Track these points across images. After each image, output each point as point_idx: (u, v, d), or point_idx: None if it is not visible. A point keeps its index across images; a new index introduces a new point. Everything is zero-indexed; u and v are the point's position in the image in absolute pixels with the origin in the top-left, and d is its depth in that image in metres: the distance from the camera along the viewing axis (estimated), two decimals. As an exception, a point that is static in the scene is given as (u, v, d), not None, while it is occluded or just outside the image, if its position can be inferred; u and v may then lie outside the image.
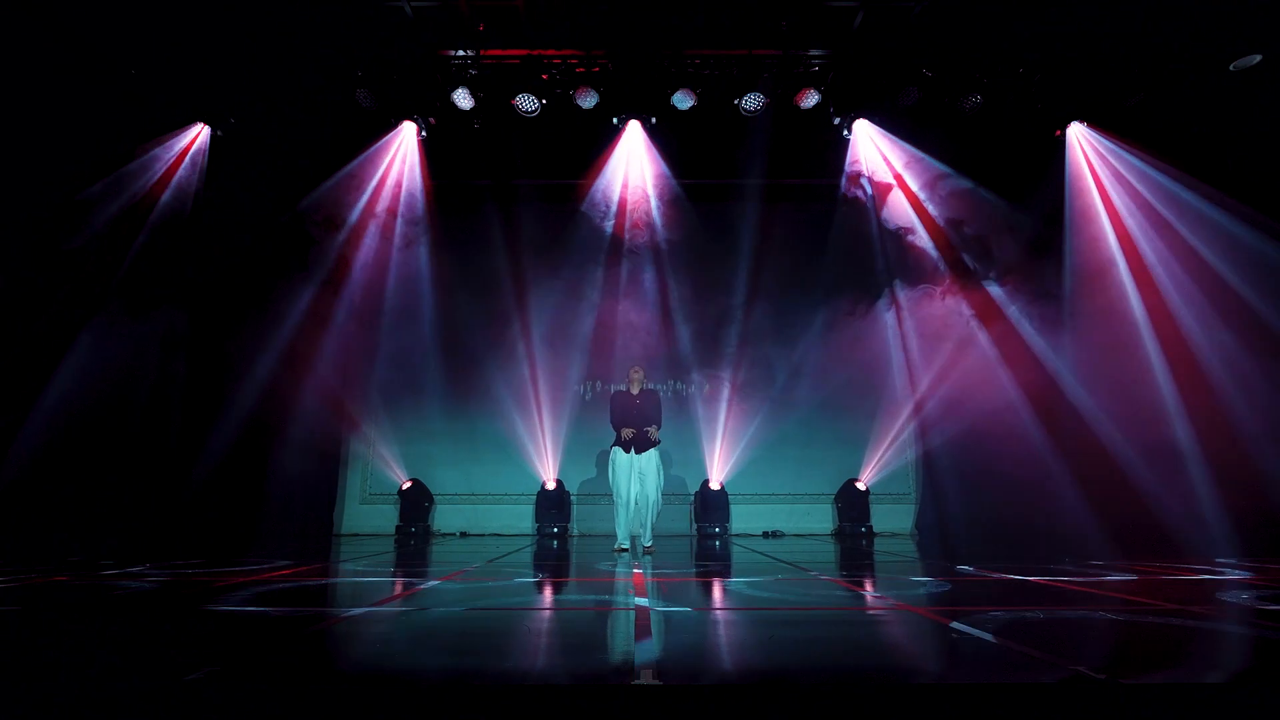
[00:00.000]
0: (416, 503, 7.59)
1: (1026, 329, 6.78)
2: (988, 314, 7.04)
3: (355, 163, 7.14)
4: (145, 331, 6.47)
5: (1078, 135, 6.83)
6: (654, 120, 7.00)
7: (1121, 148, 6.53)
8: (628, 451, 5.43)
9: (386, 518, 7.68)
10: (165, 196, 6.69)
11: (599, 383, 8.02)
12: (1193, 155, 6.03)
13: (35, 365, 5.92)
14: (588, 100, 6.61)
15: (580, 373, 7.91)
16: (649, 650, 1.84)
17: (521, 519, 7.70)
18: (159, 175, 6.69)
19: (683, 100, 6.59)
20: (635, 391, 5.58)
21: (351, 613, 2.48)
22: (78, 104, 6.02)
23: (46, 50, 5.69)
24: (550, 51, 6.45)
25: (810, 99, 6.61)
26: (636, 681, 1.51)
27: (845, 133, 7.15)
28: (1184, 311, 5.94)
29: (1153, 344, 6.09)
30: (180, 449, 6.59)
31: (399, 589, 3.18)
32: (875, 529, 7.54)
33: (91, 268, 6.30)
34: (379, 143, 7.15)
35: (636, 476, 5.41)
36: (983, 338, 7.05)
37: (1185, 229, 6.02)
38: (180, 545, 5.43)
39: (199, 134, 6.80)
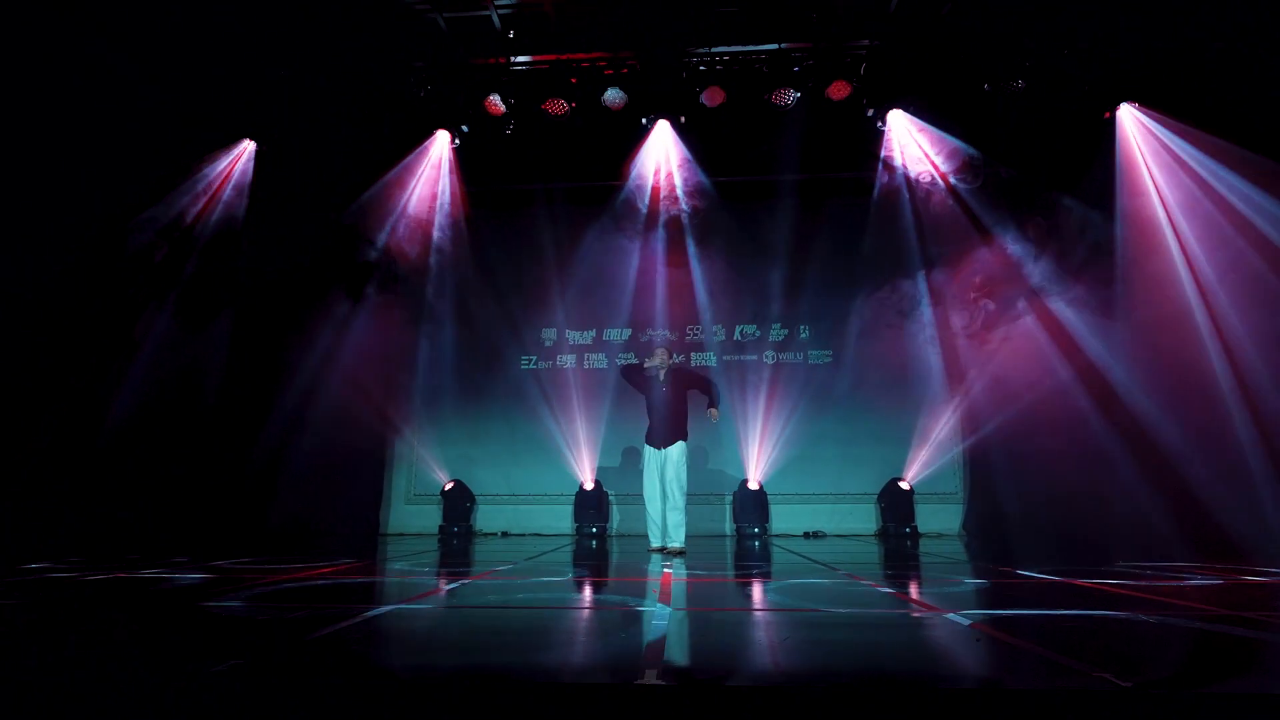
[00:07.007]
0: (458, 503, 7.75)
1: (1076, 320, 6.49)
2: (1034, 305, 6.77)
3: (393, 172, 7.33)
4: (199, 337, 6.81)
5: (1128, 117, 6.51)
6: (683, 119, 6.99)
7: (1176, 129, 6.18)
8: (653, 446, 5.31)
9: (430, 518, 7.87)
10: (217, 208, 7.10)
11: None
12: (1255, 134, 5.65)
13: (99, 369, 6.30)
14: (616, 101, 6.64)
15: (616, 374, 7.95)
16: (660, 651, 1.85)
17: (561, 519, 7.78)
18: (212, 189, 7.11)
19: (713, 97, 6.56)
20: (661, 375, 5.37)
21: (380, 610, 2.55)
22: (147, 130, 6.41)
23: (114, 77, 6.05)
24: (579, 55, 6.51)
25: (843, 91, 6.49)
26: (640, 681, 1.52)
27: (880, 124, 6.99)
28: (1246, 303, 5.57)
29: (1210, 336, 5.74)
30: (232, 451, 6.89)
31: (430, 586, 3.26)
32: (920, 529, 7.34)
33: (153, 273, 6.70)
34: (415, 152, 7.33)
35: (658, 473, 5.31)
36: (1029, 329, 6.79)
37: (1250, 213, 5.64)
38: (231, 544, 5.68)
39: (246, 149, 7.16)
